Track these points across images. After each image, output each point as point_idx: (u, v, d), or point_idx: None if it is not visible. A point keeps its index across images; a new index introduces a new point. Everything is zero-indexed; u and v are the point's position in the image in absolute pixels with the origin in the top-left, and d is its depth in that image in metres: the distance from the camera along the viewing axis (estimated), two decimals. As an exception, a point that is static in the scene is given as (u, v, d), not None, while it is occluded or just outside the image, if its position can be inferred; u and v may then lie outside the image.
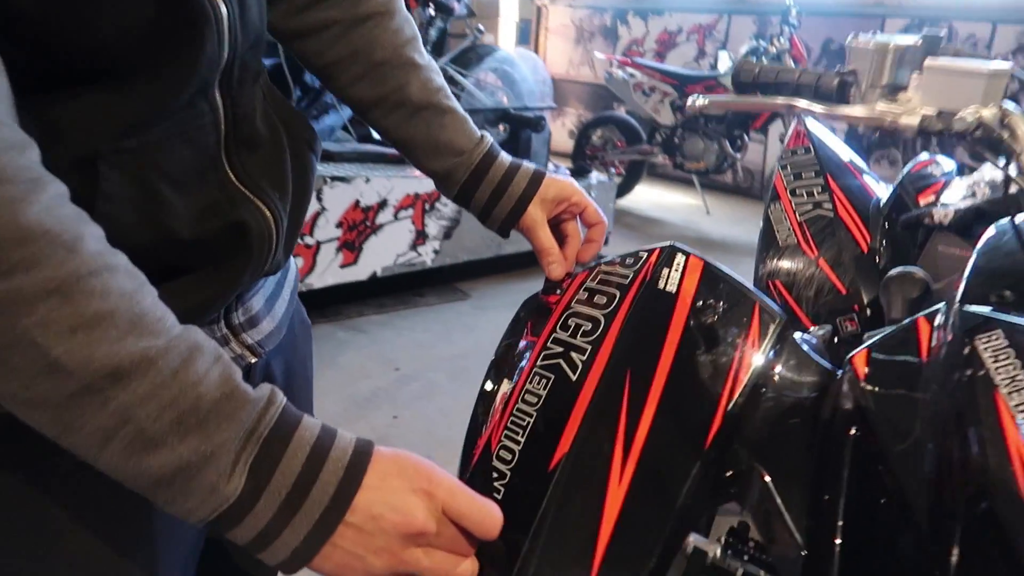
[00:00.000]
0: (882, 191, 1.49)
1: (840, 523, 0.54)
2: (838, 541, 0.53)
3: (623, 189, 5.27)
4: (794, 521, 0.57)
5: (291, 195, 0.62)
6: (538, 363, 0.64)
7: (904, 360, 0.60)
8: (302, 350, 0.81)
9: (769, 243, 1.43)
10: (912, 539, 0.50)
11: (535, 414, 0.59)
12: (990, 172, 1.46)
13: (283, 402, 0.47)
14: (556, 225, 0.77)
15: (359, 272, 3.07)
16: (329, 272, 2.94)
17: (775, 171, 1.53)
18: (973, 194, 1.38)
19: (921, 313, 0.64)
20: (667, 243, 0.71)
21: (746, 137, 4.97)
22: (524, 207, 0.74)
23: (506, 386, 0.64)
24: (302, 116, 0.67)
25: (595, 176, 4.15)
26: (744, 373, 0.62)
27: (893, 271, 0.74)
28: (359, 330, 3.11)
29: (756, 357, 0.63)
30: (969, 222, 1.20)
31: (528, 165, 0.76)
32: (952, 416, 0.53)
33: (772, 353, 0.65)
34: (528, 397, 0.61)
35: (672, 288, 0.66)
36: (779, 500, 0.58)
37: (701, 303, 0.66)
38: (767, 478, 0.59)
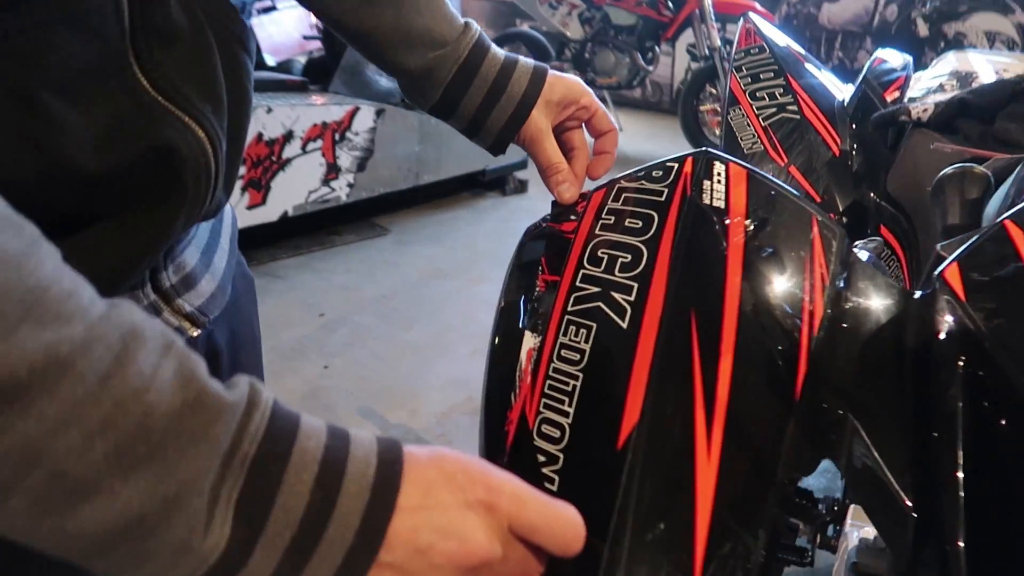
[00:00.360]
0: (842, 89, 1.40)
1: (960, 475, 0.44)
2: (961, 495, 0.43)
3: (535, 110, 5.09)
4: (897, 479, 0.47)
5: (227, 108, 0.45)
6: (569, 308, 0.50)
7: (1008, 272, 0.51)
8: (247, 311, 0.65)
9: (732, 152, 1.32)
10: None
11: (581, 375, 0.46)
12: (953, 63, 1.39)
13: (270, 401, 0.33)
14: (559, 135, 0.62)
15: (269, 213, 2.82)
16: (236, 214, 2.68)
17: (729, 74, 1.42)
18: (941, 87, 1.32)
19: (1007, 215, 0.55)
20: (700, 149, 0.58)
21: (657, 49, 4.86)
22: (527, 112, 0.59)
23: (531, 340, 0.51)
24: (229, 4, 0.49)
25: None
26: (820, 302, 0.51)
27: (949, 169, 0.65)
28: (275, 275, 2.88)
29: (827, 282, 0.52)
30: (952, 116, 1.13)
31: (526, 60, 0.61)
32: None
33: (842, 276, 0.54)
34: (566, 353, 0.48)
35: (720, 203, 0.54)
36: (876, 454, 0.48)
37: (755, 220, 0.54)
38: (860, 428, 0.48)
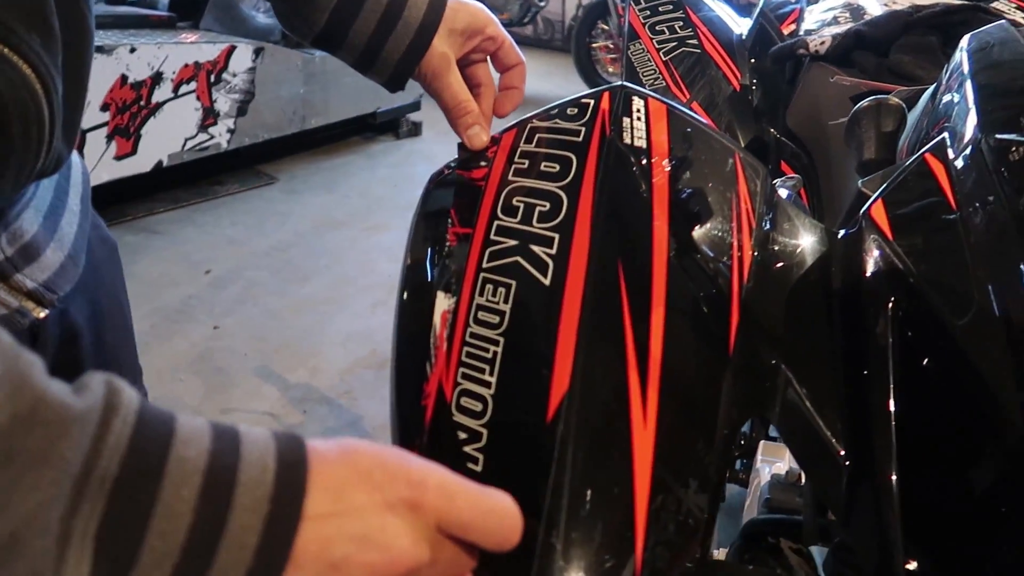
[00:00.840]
0: (739, 22, 1.39)
1: (892, 410, 0.43)
2: (893, 430, 0.42)
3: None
4: (829, 428, 0.45)
5: (61, 42, 0.37)
6: (484, 265, 0.45)
7: (931, 207, 0.49)
8: (110, 280, 0.56)
9: (634, 88, 1.28)
10: (997, 425, 0.40)
11: (501, 340, 0.42)
12: (844, -4, 1.40)
13: (134, 403, 0.27)
14: (462, 69, 0.56)
15: (141, 163, 2.59)
16: (103, 166, 2.45)
17: (627, 7, 1.38)
18: (835, 20, 1.32)
19: (926, 149, 0.53)
20: (614, 84, 0.54)
21: (549, -16, 4.77)
22: (427, 41, 0.52)
23: (444, 301, 0.45)
24: None
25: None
26: (748, 246, 0.48)
27: (864, 102, 0.63)
28: (153, 231, 2.68)
29: (754, 224, 0.49)
30: (848, 49, 1.13)
31: None
32: (1018, 265, 0.43)
33: (767, 216, 0.51)
34: (484, 316, 0.43)
35: (641, 142, 0.50)
36: (809, 404, 0.46)
37: (677, 159, 0.50)
38: (792, 378, 0.46)
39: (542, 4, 4.75)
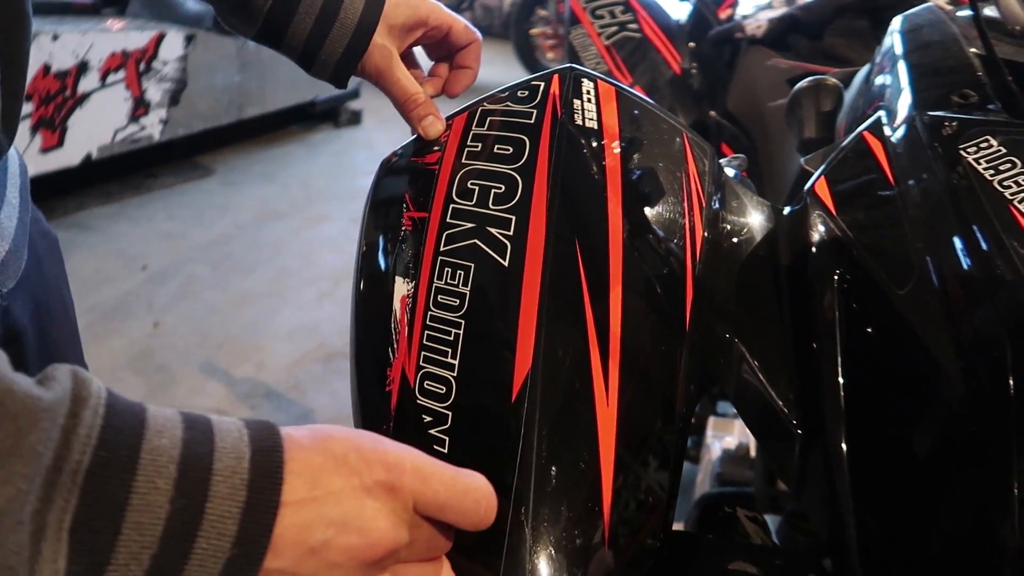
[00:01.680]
0: (677, 6, 1.41)
1: (841, 381, 0.45)
2: (842, 400, 0.44)
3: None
4: (782, 398, 0.47)
5: None
6: (441, 248, 0.45)
7: (871, 182, 0.51)
8: (53, 276, 0.54)
9: (577, 73, 1.29)
10: (937, 390, 0.42)
11: (462, 322, 0.42)
12: (779, -19, 1.43)
13: (102, 394, 0.26)
14: (408, 57, 0.55)
15: (68, 156, 2.49)
16: (28, 159, 2.33)
17: (568, -8, 1.39)
18: (770, 4, 1.35)
19: (863, 128, 0.55)
20: (563, 67, 0.54)
21: (486, -30, 4.73)
22: (365, 41, 0.51)
23: (403, 286, 0.45)
24: None
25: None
26: (699, 225, 0.49)
27: (803, 82, 0.65)
28: (85, 226, 2.58)
29: (704, 203, 0.50)
30: (783, 32, 1.16)
31: None
32: (952, 237, 0.45)
33: (716, 196, 0.52)
34: (443, 299, 0.43)
35: (592, 123, 0.50)
36: (762, 376, 0.47)
37: (628, 140, 0.51)
38: (745, 351, 0.48)
39: (480, -10, 4.72)
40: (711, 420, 1.00)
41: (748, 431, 0.94)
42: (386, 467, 0.29)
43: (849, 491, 0.42)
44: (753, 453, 0.86)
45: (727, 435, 0.95)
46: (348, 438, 0.30)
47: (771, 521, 0.60)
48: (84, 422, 0.25)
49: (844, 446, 0.44)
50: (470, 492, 0.31)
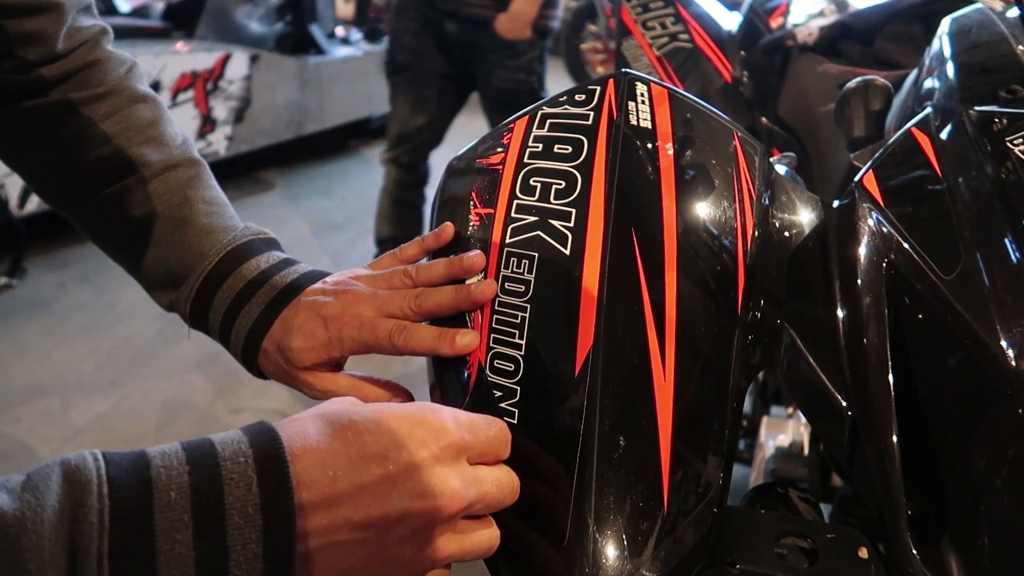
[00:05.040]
0: (728, 16, 1.43)
1: (890, 376, 0.46)
2: (892, 395, 0.46)
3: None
4: (831, 379, 0.49)
5: None
6: (507, 241, 0.49)
7: (919, 176, 0.53)
8: None
9: (628, 83, 1.31)
10: (985, 372, 0.43)
11: (528, 306, 0.45)
12: (830, -11, 1.44)
13: (101, 470, 0.27)
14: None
15: (140, 173, 2.62)
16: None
17: (619, 4, 1.42)
18: (821, 12, 1.36)
19: (911, 124, 0.57)
20: (620, 71, 0.57)
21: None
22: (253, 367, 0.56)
23: (471, 278, 0.49)
24: None
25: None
26: (750, 220, 0.52)
27: (852, 82, 0.67)
28: (153, 240, 2.70)
29: (755, 198, 0.53)
30: (835, 39, 1.17)
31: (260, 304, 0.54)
32: (1001, 230, 0.46)
33: (766, 193, 0.55)
34: (510, 286, 0.47)
35: (646, 124, 0.53)
36: (811, 358, 0.49)
37: (681, 139, 0.54)
38: (795, 335, 0.50)
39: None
40: (765, 420, 1.01)
41: (801, 430, 0.95)
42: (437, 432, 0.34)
43: (900, 472, 0.44)
44: (807, 451, 0.87)
45: (780, 433, 0.96)
46: (347, 412, 0.33)
47: (824, 511, 0.61)
48: (91, 510, 0.26)
49: (894, 427, 0.45)
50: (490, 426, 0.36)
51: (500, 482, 0.36)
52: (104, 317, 2.24)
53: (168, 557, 0.26)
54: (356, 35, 3.65)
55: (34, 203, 2.24)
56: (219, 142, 2.88)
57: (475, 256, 0.48)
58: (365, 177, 3.38)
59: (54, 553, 0.24)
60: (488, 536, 0.37)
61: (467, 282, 0.48)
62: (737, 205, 0.52)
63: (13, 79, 0.55)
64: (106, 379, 1.98)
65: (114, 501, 0.26)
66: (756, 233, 0.51)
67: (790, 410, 1.07)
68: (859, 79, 0.66)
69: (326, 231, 2.86)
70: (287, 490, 0.29)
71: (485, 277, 0.48)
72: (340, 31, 3.61)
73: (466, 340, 0.45)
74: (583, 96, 0.56)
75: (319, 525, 0.30)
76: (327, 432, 0.32)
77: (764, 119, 1.26)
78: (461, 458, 0.35)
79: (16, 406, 1.84)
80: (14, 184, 2.19)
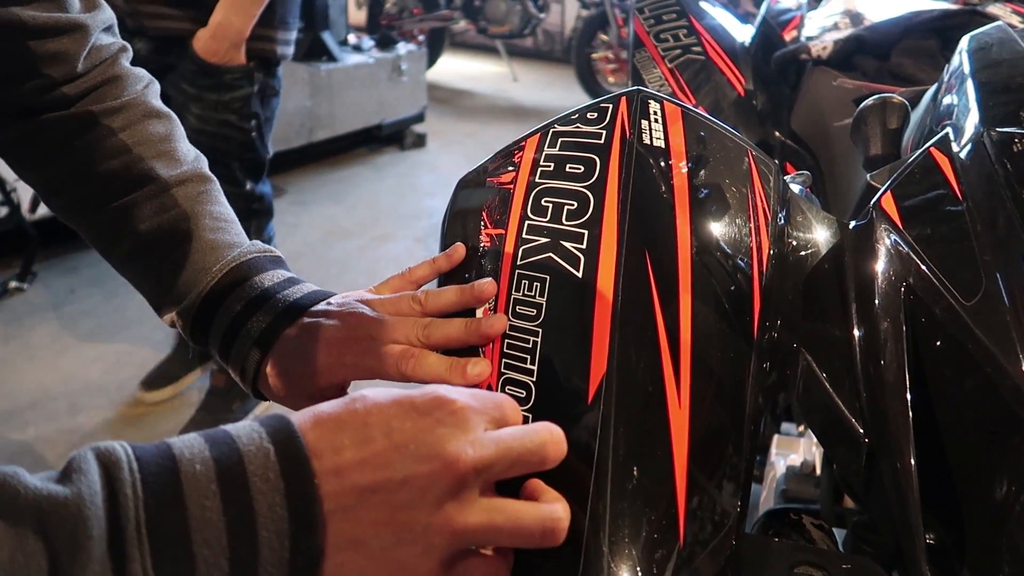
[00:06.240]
0: (742, 29, 1.42)
1: (908, 398, 0.45)
2: (910, 417, 0.45)
3: (427, 61, 4.97)
4: (847, 406, 0.48)
5: None
6: (518, 262, 0.48)
7: (938, 197, 0.52)
8: None
9: (640, 95, 1.31)
10: (1006, 400, 0.42)
11: (540, 331, 0.44)
12: (844, 2, 1.43)
13: (129, 451, 0.30)
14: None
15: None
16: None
17: (632, 15, 1.42)
18: (836, 26, 1.35)
19: (930, 144, 0.56)
20: (631, 89, 0.57)
21: (547, -5, 4.82)
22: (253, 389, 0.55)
23: (482, 306, 0.48)
24: None
25: (403, 47, 3.83)
26: (766, 240, 0.51)
27: (869, 100, 0.66)
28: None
29: (769, 218, 0.52)
30: (850, 53, 1.16)
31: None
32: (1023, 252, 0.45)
33: (781, 213, 0.54)
34: (521, 310, 0.46)
35: (659, 143, 0.53)
36: (827, 384, 0.49)
37: (695, 158, 0.53)
38: (811, 360, 0.49)
39: (542, 16, 4.81)
40: (775, 438, 1.00)
41: (813, 449, 0.93)
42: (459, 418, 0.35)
43: (918, 500, 0.43)
44: (819, 471, 0.86)
45: (791, 452, 0.94)
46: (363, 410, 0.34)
47: (838, 535, 0.60)
48: (126, 487, 0.28)
49: (912, 454, 0.44)
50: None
51: (526, 436, 0.35)
52: (113, 322, 2.25)
53: (200, 523, 0.29)
54: (368, 42, 3.66)
55: (45, 207, 2.25)
56: (230, 149, 2.89)
57: (487, 284, 0.47)
58: (374, 184, 3.39)
59: (104, 526, 0.27)
60: (534, 512, 0.34)
61: (478, 313, 0.47)
62: (752, 225, 0.51)
63: (36, 97, 0.56)
64: (114, 384, 1.98)
65: (144, 475, 0.29)
66: (772, 253, 0.50)
67: (801, 428, 1.06)
68: (876, 96, 0.66)
69: (336, 238, 2.87)
70: (303, 456, 0.31)
71: (496, 300, 0.47)
72: (352, 38, 3.63)
73: (477, 370, 0.44)
74: (595, 114, 0.56)
75: (328, 491, 0.31)
76: (334, 405, 0.34)
77: (777, 133, 1.25)
78: (470, 423, 0.34)
79: (24, 411, 1.85)
80: (25, 188, 2.20)
